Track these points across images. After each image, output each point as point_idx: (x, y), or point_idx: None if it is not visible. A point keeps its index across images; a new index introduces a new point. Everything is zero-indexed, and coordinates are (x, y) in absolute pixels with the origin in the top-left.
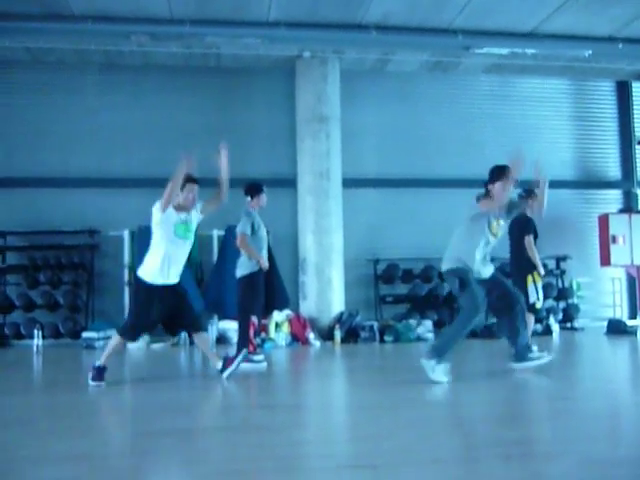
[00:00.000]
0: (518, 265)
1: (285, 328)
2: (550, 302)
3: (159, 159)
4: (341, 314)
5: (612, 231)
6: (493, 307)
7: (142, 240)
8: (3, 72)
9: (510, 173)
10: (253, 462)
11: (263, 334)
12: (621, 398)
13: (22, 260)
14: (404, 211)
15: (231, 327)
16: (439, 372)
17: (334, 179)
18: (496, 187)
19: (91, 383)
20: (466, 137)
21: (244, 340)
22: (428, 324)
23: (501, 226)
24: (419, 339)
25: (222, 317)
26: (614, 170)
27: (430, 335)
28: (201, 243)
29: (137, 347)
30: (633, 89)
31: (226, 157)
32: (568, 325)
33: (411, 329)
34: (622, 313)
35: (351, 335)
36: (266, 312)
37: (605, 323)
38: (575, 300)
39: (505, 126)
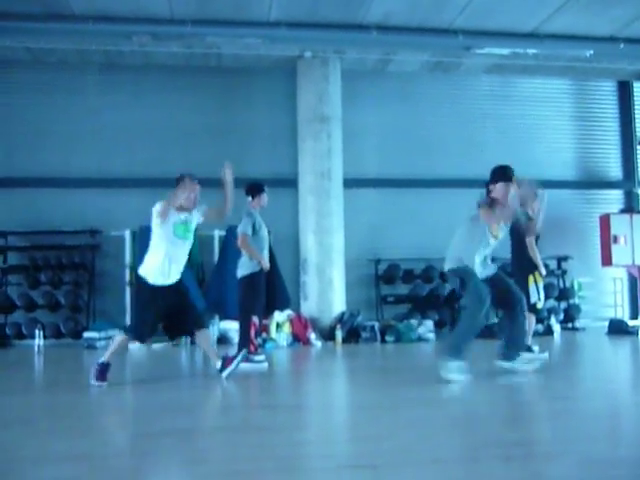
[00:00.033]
0: (519, 265)
1: (286, 328)
2: (551, 302)
3: (160, 159)
4: (342, 314)
5: (613, 231)
6: (496, 301)
7: (143, 240)
8: (4, 72)
9: (513, 181)
10: (254, 462)
11: (264, 334)
12: (622, 398)
13: (23, 260)
14: (405, 211)
15: (232, 327)
16: (454, 370)
17: (335, 179)
18: (497, 187)
19: (93, 383)
20: (467, 137)
21: (245, 340)
22: (429, 324)
23: (502, 228)
24: (420, 339)
25: (223, 317)
26: (615, 170)
27: (431, 335)
28: (202, 243)
29: (138, 347)
30: (634, 89)
31: (230, 175)
32: (569, 325)
33: (412, 329)
34: (623, 313)
35: (352, 335)
36: (267, 312)
37: (606, 323)
38: (576, 300)
39: (506, 126)
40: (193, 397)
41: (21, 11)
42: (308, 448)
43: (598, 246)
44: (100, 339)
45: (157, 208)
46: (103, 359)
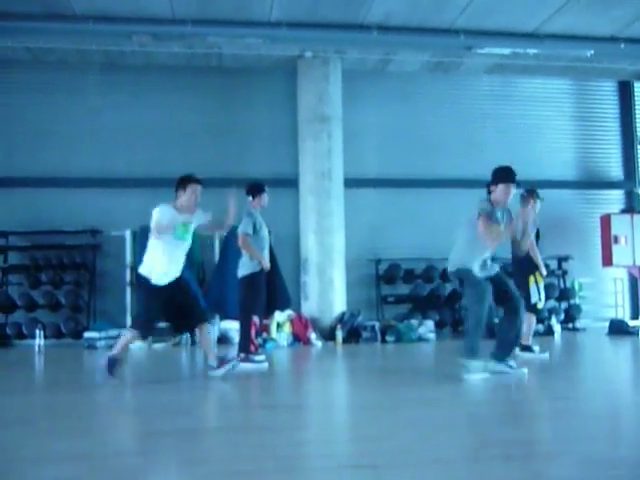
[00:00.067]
0: (520, 265)
1: (287, 328)
2: (552, 302)
3: (161, 159)
4: (343, 314)
5: (614, 231)
6: (496, 299)
7: (144, 240)
8: (4, 72)
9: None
10: (254, 462)
11: (265, 334)
12: (622, 398)
13: (24, 260)
14: (405, 211)
15: (233, 327)
16: (474, 370)
17: (336, 179)
18: (498, 189)
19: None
20: (468, 137)
21: (245, 340)
22: (430, 324)
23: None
24: (420, 339)
25: (224, 317)
26: (616, 170)
27: (432, 335)
28: (203, 243)
29: (138, 347)
30: (635, 89)
31: (234, 204)
32: (570, 325)
33: (413, 329)
34: (624, 313)
35: (353, 335)
36: (268, 312)
37: (607, 323)
38: (577, 300)
39: (507, 126)
40: (194, 397)
41: (21, 11)
42: (309, 448)
43: (599, 246)
44: (100, 339)
45: (157, 217)
46: (113, 353)
